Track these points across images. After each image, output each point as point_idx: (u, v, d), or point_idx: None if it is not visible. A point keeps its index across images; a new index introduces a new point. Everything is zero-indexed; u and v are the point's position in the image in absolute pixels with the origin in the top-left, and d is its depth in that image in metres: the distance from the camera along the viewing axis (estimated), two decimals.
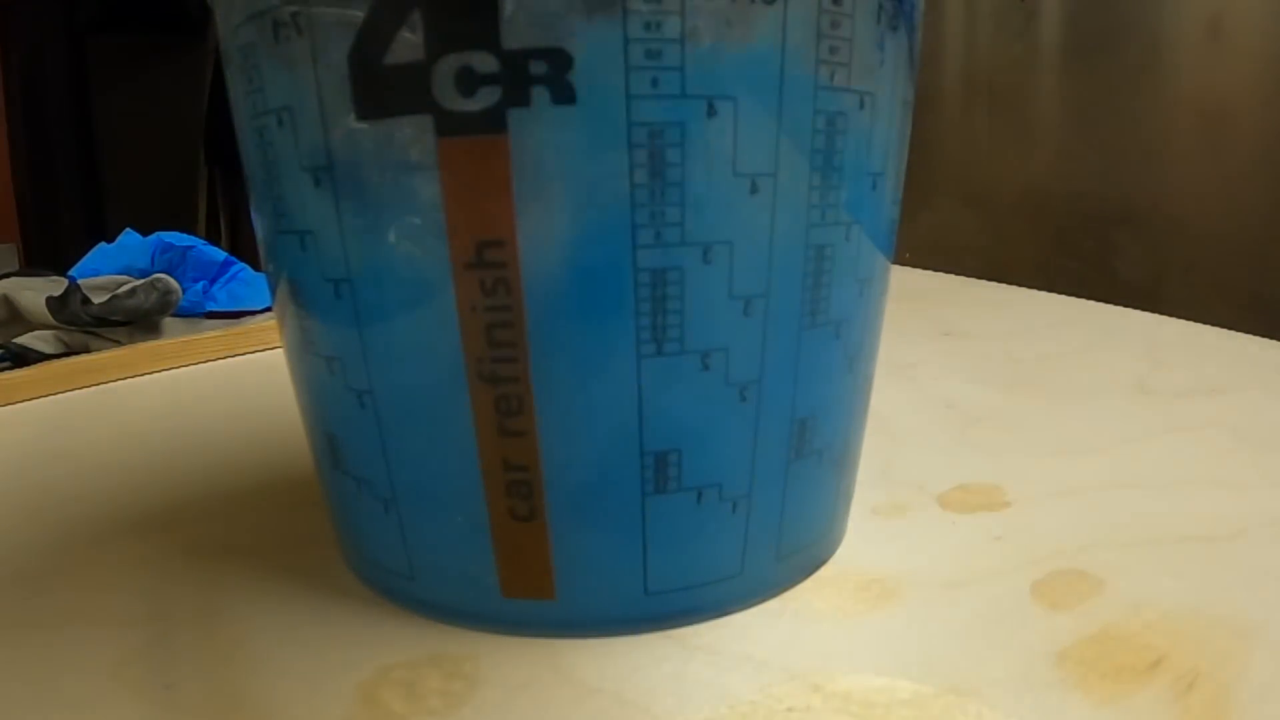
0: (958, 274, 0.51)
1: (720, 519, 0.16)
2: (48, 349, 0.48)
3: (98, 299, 0.51)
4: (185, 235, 0.69)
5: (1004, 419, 0.27)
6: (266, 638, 0.16)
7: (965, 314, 0.42)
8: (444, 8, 0.13)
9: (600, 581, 0.16)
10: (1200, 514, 0.20)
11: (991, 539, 0.19)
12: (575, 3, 0.12)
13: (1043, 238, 0.73)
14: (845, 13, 0.14)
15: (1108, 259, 0.68)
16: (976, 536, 0.19)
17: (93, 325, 0.50)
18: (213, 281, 0.65)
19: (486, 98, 0.13)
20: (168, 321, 0.54)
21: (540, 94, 0.13)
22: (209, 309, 0.61)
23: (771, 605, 0.17)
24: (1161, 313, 0.39)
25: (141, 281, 0.53)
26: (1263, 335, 0.35)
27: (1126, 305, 0.41)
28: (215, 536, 0.21)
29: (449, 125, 0.13)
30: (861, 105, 0.15)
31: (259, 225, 0.16)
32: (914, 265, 0.53)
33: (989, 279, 0.49)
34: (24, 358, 0.44)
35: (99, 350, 0.42)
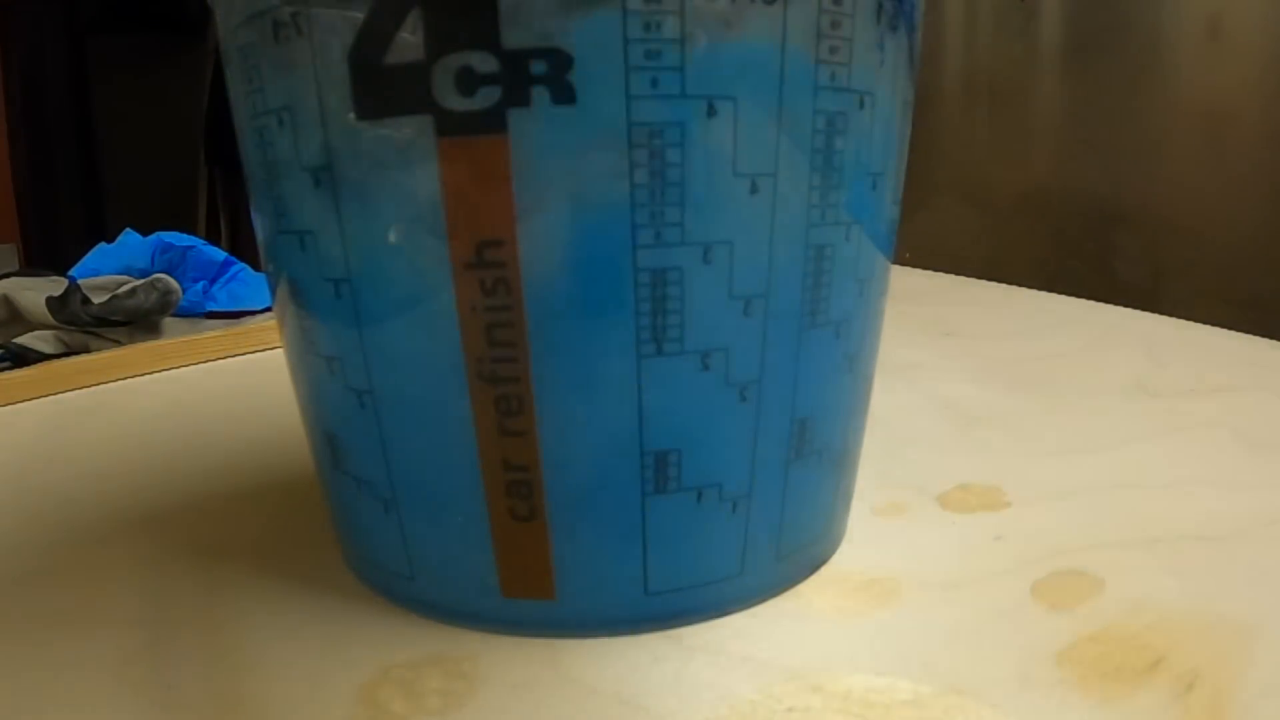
0: (958, 274, 0.51)
1: (720, 519, 0.16)
2: (48, 349, 0.48)
3: (98, 299, 0.51)
4: (185, 235, 0.69)
5: (1004, 419, 0.27)
6: (266, 638, 0.16)
7: (965, 314, 0.42)
8: (444, 8, 0.13)
9: (600, 581, 0.16)
10: (1200, 514, 0.20)
11: (991, 539, 0.19)
12: (575, 3, 0.12)
13: (1043, 238, 0.73)
14: (845, 13, 0.14)
15: (1108, 259, 0.68)
16: (976, 536, 0.19)
17: (93, 325, 0.50)
18: (213, 281, 0.65)
19: (486, 98, 0.13)
20: (168, 321, 0.54)
21: (540, 94, 0.13)
22: (209, 309, 0.61)
23: (771, 605, 0.17)
24: (1161, 313, 0.39)
25: (141, 281, 0.53)
26: (1263, 335, 0.35)
27: (1126, 305, 0.41)
28: (215, 536, 0.21)
29: (449, 125, 0.13)
30: (861, 105, 0.15)
31: (259, 225, 0.16)
32: (914, 265, 0.53)
33: (989, 279, 0.49)
34: (24, 358, 0.44)
35: (99, 350, 0.42)
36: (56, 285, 0.52)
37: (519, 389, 0.14)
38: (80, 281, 0.54)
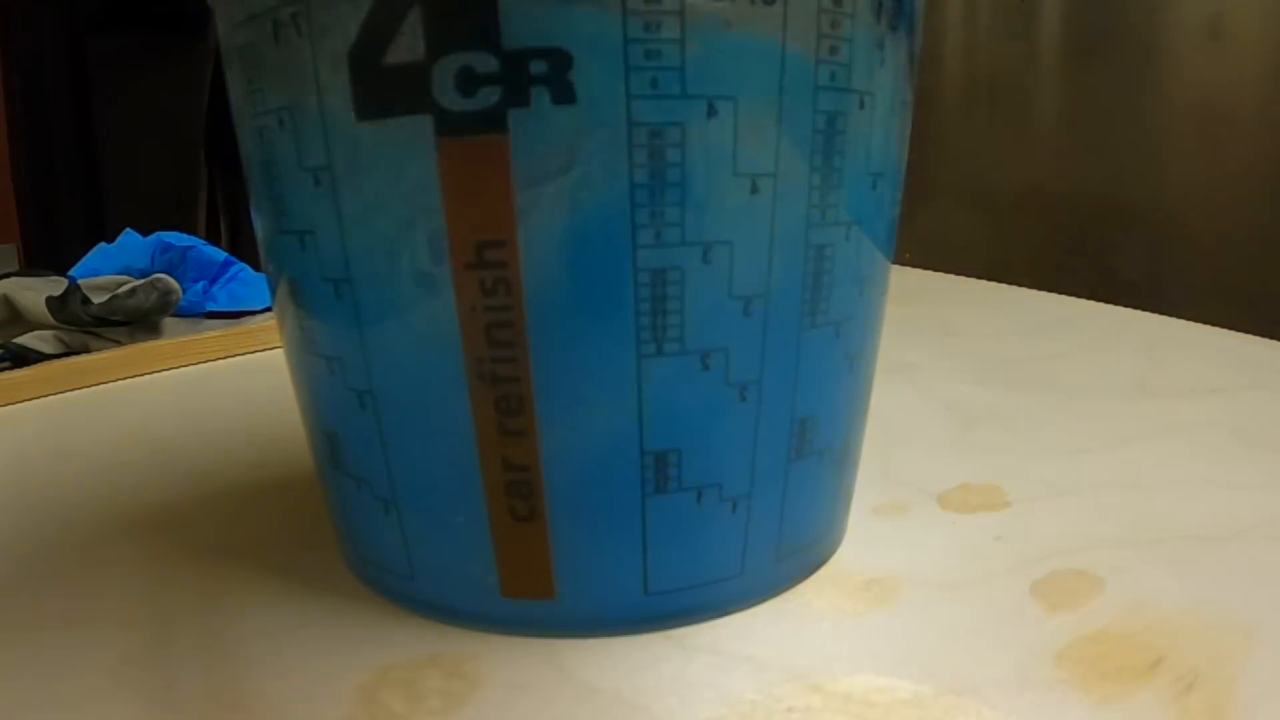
0: (958, 274, 0.52)
1: (720, 519, 0.16)
2: (48, 349, 0.48)
3: (98, 299, 0.51)
4: (185, 235, 0.68)
5: (1004, 419, 0.27)
6: (266, 638, 0.16)
7: (965, 314, 0.42)
8: (444, 8, 0.13)
9: (600, 581, 0.16)
10: (1200, 514, 0.20)
11: (991, 539, 0.19)
12: (575, 3, 0.12)
13: (1043, 238, 0.73)
14: (845, 13, 0.14)
15: (1108, 259, 0.68)
16: (976, 536, 0.19)
17: (93, 325, 0.50)
18: (213, 281, 0.65)
19: (486, 98, 0.13)
20: (168, 321, 0.54)
21: (540, 94, 0.13)
22: (209, 309, 0.61)
23: (771, 605, 0.17)
24: (1161, 313, 0.39)
25: (141, 281, 0.53)
26: (1263, 335, 0.35)
27: (1126, 305, 0.41)
28: (215, 536, 0.21)
29: (449, 125, 0.13)
30: (861, 105, 0.15)
31: (259, 225, 0.16)
32: (914, 265, 0.53)
33: (989, 279, 0.49)
34: (24, 358, 0.44)
35: (99, 350, 0.42)
36: (56, 285, 0.52)
37: (519, 389, 0.14)
38: (80, 281, 0.54)
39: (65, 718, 0.14)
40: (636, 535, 0.15)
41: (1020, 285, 0.47)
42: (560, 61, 0.13)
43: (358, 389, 0.15)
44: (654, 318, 0.14)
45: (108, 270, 0.62)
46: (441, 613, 0.17)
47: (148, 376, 0.37)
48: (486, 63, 0.13)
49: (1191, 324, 0.38)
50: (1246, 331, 0.35)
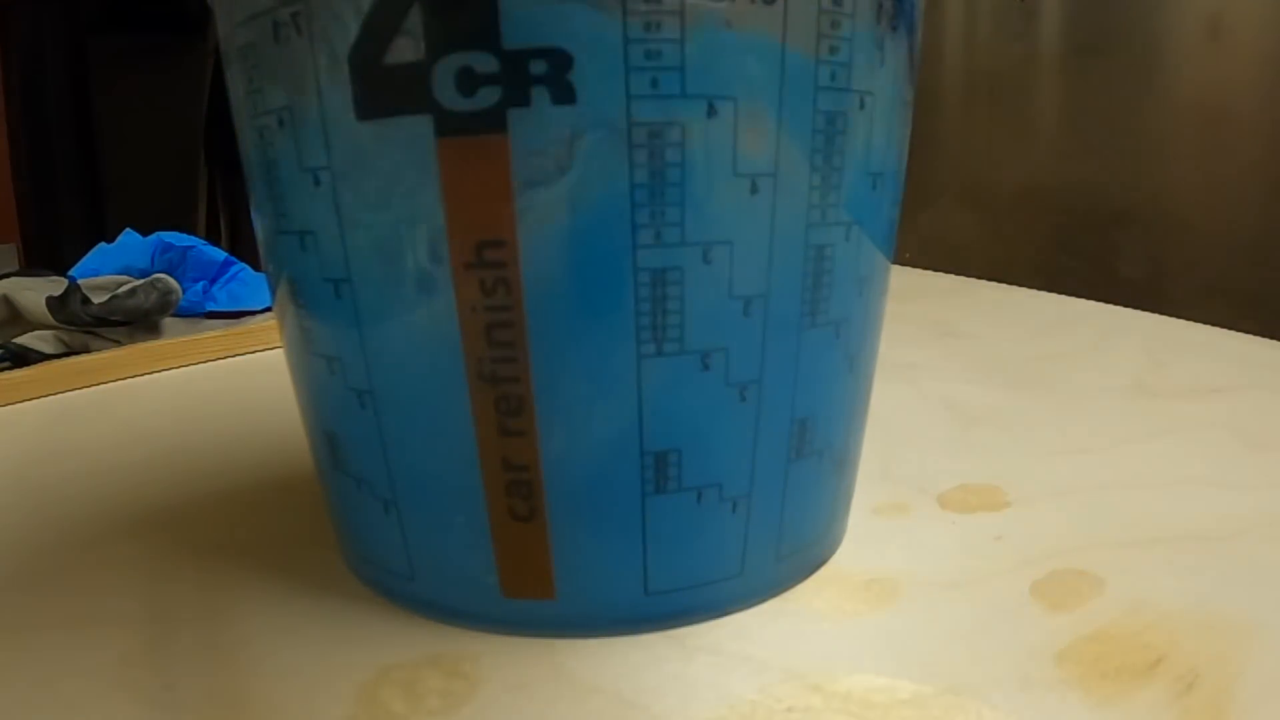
0: (958, 274, 0.51)
1: (720, 519, 0.16)
2: (48, 349, 0.48)
3: (98, 299, 0.51)
4: (185, 235, 0.68)
5: (1004, 419, 0.27)
6: (266, 638, 0.16)
7: (965, 314, 0.42)
8: (444, 8, 0.13)
9: (600, 581, 0.16)
10: (1200, 514, 0.20)
11: (991, 539, 0.19)
12: (575, 3, 0.12)
13: (1043, 237, 0.73)
14: (845, 13, 0.14)
15: (1108, 259, 0.68)
16: (976, 536, 0.19)
17: (93, 325, 0.50)
18: (213, 281, 0.65)
19: (486, 98, 0.13)
20: (168, 321, 0.54)
21: (540, 94, 0.13)
22: (209, 309, 0.61)
23: (771, 605, 0.17)
24: (1161, 313, 0.39)
25: (141, 281, 0.53)
26: (1263, 335, 0.35)
27: (1126, 305, 0.41)
28: (215, 536, 0.21)
29: (449, 125, 0.13)
30: (861, 105, 0.15)
31: (259, 225, 0.16)
32: (914, 265, 0.53)
33: (989, 279, 0.49)
34: (24, 358, 0.44)
35: (99, 350, 0.42)
36: (56, 285, 0.52)
37: (519, 389, 0.14)
38: (80, 281, 0.54)
39: (65, 717, 0.14)
40: (636, 535, 0.15)
41: (1020, 285, 0.47)
42: (560, 61, 0.13)
43: (358, 389, 0.15)
44: (654, 318, 0.14)
45: (108, 270, 0.62)
46: (441, 613, 0.17)
47: (148, 376, 0.37)
48: (486, 63, 0.13)
49: (1191, 324, 0.38)
50: (1246, 331, 0.35)
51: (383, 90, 0.13)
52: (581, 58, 0.13)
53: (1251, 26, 0.58)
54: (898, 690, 0.14)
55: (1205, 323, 0.37)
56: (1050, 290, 0.45)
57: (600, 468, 0.15)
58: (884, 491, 0.22)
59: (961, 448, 0.25)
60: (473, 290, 0.14)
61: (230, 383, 0.36)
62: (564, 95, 0.13)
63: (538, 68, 0.13)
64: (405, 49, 0.13)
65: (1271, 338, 0.35)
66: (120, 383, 0.36)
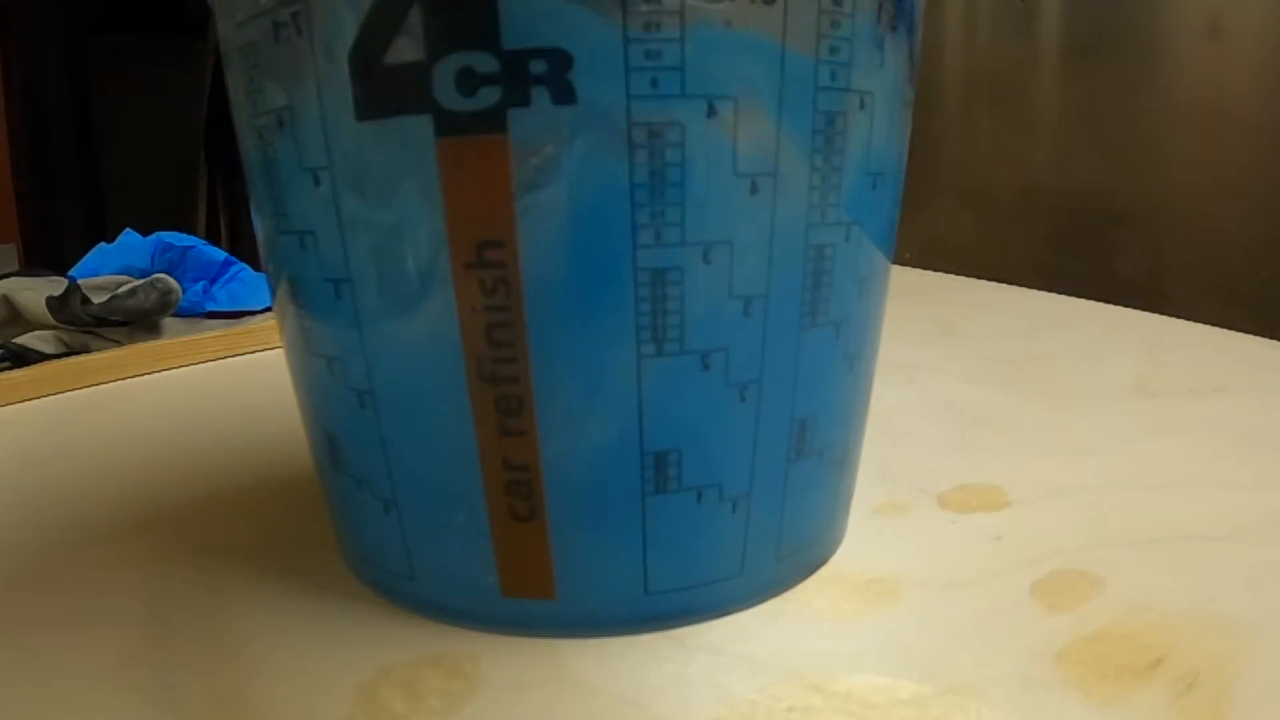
0: (958, 274, 0.51)
1: (720, 519, 0.16)
2: (48, 349, 0.48)
3: (98, 299, 0.51)
4: (185, 235, 0.68)
5: (1004, 419, 0.27)
6: (266, 638, 0.16)
7: (965, 314, 0.42)
8: (444, 8, 0.13)
9: (600, 581, 0.16)
10: (1200, 514, 0.20)
11: (991, 539, 0.19)
12: (575, 3, 0.12)
13: (1043, 238, 0.73)
14: (845, 13, 0.14)
15: (1108, 259, 0.68)
16: (976, 536, 0.19)
17: (93, 325, 0.50)
18: (213, 281, 0.65)
19: (486, 98, 0.13)
20: (168, 321, 0.54)
21: (540, 94, 0.13)
22: (209, 309, 0.61)
23: (771, 605, 0.17)
24: (1161, 313, 0.39)
25: (141, 281, 0.53)
26: (1263, 335, 0.35)
27: (1126, 305, 0.41)
28: (215, 536, 0.21)
29: (449, 125, 0.13)
30: (861, 105, 0.15)
31: (259, 225, 0.16)
32: (914, 265, 0.53)
33: (989, 279, 0.49)
34: (24, 358, 0.44)
35: (99, 350, 0.42)
36: (56, 285, 0.52)
37: (519, 389, 0.14)
38: (80, 281, 0.54)
39: (65, 717, 0.14)
40: (636, 535, 0.15)
41: (1020, 285, 0.47)
42: (560, 61, 0.13)
43: (358, 389, 0.15)
44: (654, 318, 0.14)
45: (108, 270, 0.62)
46: (442, 613, 0.17)
47: (148, 376, 0.37)
48: (486, 63, 0.13)
49: (1191, 324, 0.38)
50: (1246, 331, 0.35)
51: (383, 90, 0.13)
52: (581, 58, 0.13)
53: (1251, 27, 0.58)
54: (898, 690, 0.14)
55: (1205, 323, 0.37)
56: (1050, 290, 0.45)
57: (600, 468, 0.15)
58: (884, 491, 0.22)
59: (961, 448, 0.25)
60: (473, 290, 0.14)
61: (230, 383, 0.36)
62: (564, 95, 0.13)
63: (538, 68, 0.13)
64: (405, 49, 0.13)
65: (1271, 338, 0.35)
66: (120, 383, 0.36)
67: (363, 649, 0.16)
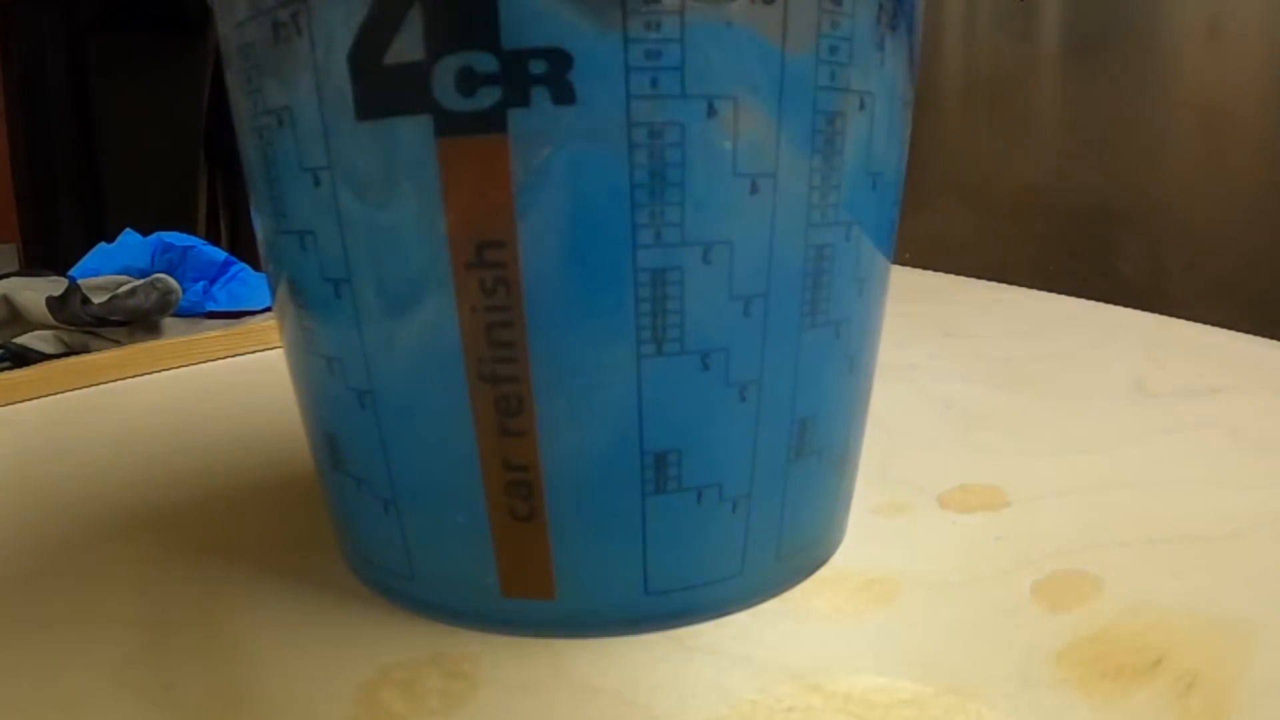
0: (958, 274, 0.51)
1: (720, 519, 0.16)
2: (48, 349, 0.48)
3: (98, 299, 0.51)
4: (185, 235, 0.69)
5: (1004, 419, 0.27)
6: (266, 638, 0.16)
7: (965, 314, 0.42)
8: (444, 8, 0.13)
9: (600, 581, 0.16)
10: (1200, 514, 0.20)
11: (991, 539, 0.19)
12: (575, 3, 0.12)
13: (1043, 238, 0.73)
14: (845, 12, 0.14)
15: (1108, 259, 0.68)
16: (976, 536, 0.19)
17: (93, 325, 0.50)
18: (213, 281, 0.65)
19: (486, 98, 0.13)
20: (168, 321, 0.54)
21: (540, 94, 0.13)
22: (209, 309, 0.61)
23: (771, 605, 0.17)
24: (1161, 313, 0.39)
25: (141, 281, 0.53)
26: (1263, 335, 0.35)
27: (1126, 305, 0.41)
28: (215, 536, 0.21)
29: (449, 125, 0.13)
30: (861, 105, 0.15)
31: (259, 225, 0.16)
32: (914, 265, 0.53)
33: (989, 279, 0.49)
34: (24, 358, 0.44)
35: (99, 350, 0.42)
36: (56, 285, 0.52)
37: (519, 389, 0.14)
38: (80, 281, 0.54)
39: (65, 717, 0.14)
40: (636, 535, 0.15)
41: (1020, 285, 0.47)
42: (560, 61, 0.13)
43: (358, 389, 0.15)
44: (654, 318, 0.14)
45: (108, 270, 0.62)
46: (441, 613, 0.17)
47: (148, 376, 0.37)
48: (486, 63, 0.13)
49: (1191, 324, 0.38)
50: (1246, 331, 0.35)
51: (383, 90, 0.13)
52: (581, 58, 0.13)
53: (1251, 27, 0.58)
54: (898, 690, 0.14)
55: (1205, 323, 0.37)
56: (1050, 290, 0.45)
57: (600, 468, 0.15)
58: (884, 491, 0.22)
59: (961, 448, 0.25)
60: (473, 290, 0.14)
61: (230, 383, 0.36)
62: (564, 95, 0.13)
63: (538, 68, 0.13)
64: (405, 49, 0.13)
65: (1271, 338, 0.35)
66: (120, 383, 0.36)
67: (363, 649, 0.16)
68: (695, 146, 0.13)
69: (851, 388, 0.17)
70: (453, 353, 0.14)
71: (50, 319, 0.49)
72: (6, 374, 0.34)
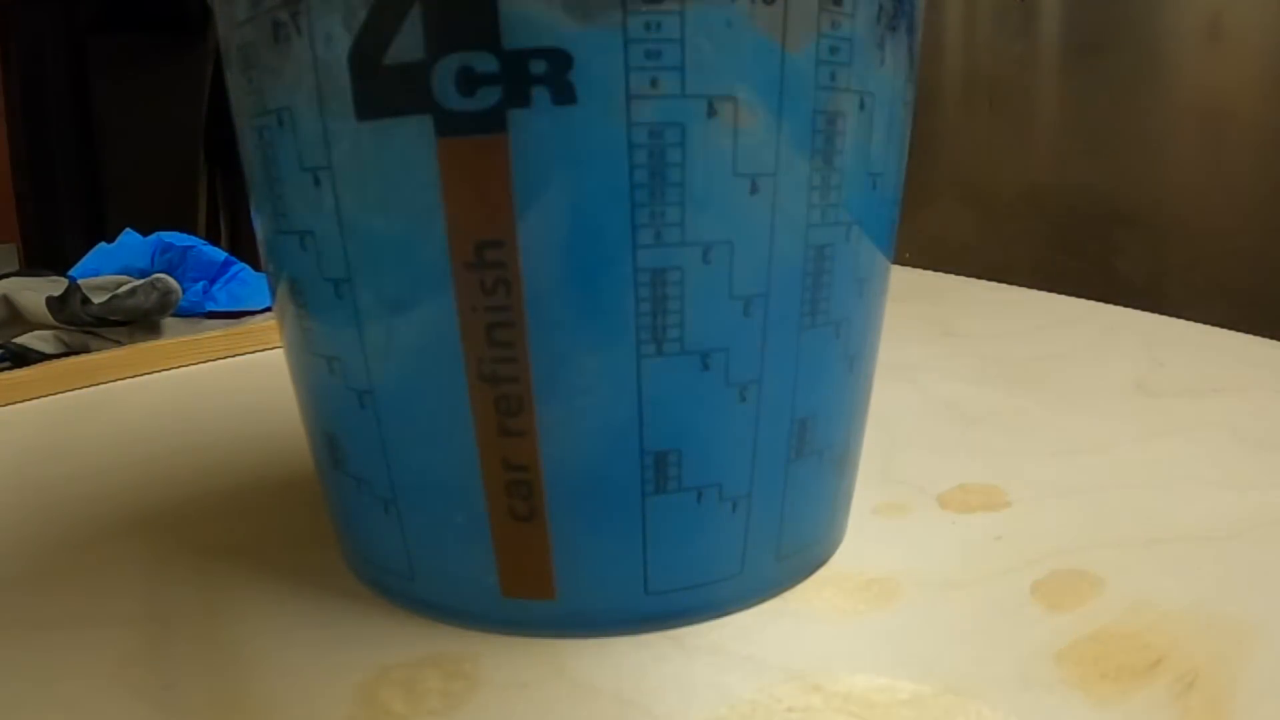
0: (958, 274, 0.51)
1: (720, 519, 0.16)
2: (48, 349, 0.48)
3: (98, 299, 0.51)
4: (185, 235, 0.68)
5: (1004, 419, 0.27)
6: (266, 638, 0.16)
7: (965, 314, 0.42)
8: (444, 8, 0.13)
9: (600, 581, 0.16)
10: (1200, 514, 0.20)
11: (991, 539, 0.19)
12: (575, 3, 0.12)
13: (1043, 237, 0.73)
14: (845, 12, 0.14)
15: (1108, 259, 0.68)
16: (976, 536, 0.19)
17: (93, 325, 0.50)
18: (213, 281, 0.65)
19: (486, 98, 0.13)
20: (168, 321, 0.54)
21: (540, 94, 0.13)
22: (209, 309, 0.61)
23: (771, 605, 0.17)
24: (1161, 313, 0.39)
25: (141, 281, 0.53)
26: (1263, 335, 0.35)
27: (1126, 305, 0.41)
28: (215, 536, 0.21)
29: (449, 125, 0.13)
30: (861, 105, 0.15)
31: (259, 225, 0.16)
32: (914, 265, 0.53)
33: (989, 279, 0.49)
34: (24, 358, 0.44)
35: (99, 350, 0.42)
36: (56, 285, 0.52)
37: (519, 389, 0.14)
38: (80, 281, 0.54)
39: (65, 717, 0.14)
40: (636, 535, 0.15)
41: (1020, 285, 0.47)
42: (560, 61, 0.13)
43: (358, 389, 0.15)
44: (654, 318, 0.14)
45: (108, 270, 0.62)
46: (441, 613, 0.17)
47: (148, 376, 0.37)
48: (486, 63, 0.13)
49: (1191, 324, 0.38)
50: (1246, 331, 0.35)
51: (383, 90, 0.13)
52: (581, 58, 0.13)
53: (1251, 27, 0.58)
54: (898, 690, 0.14)
55: (1205, 323, 0.37)
56: (1050, 290, 0.45)
57: (600, 468, 0.15)
58: (884, 491, 0.22)
59: (961, 448, 0.25)
60: (473, 290, 0.14)
61: (230, 383, 0.36)
62: (564, 95, 0.13)
63: (538, 68, 0.13)
64: (405, 49, 0.13)
65: (1271, 338, 0.35)
66: (120, 383, 0.36)
67: (363, 649, 0.16)
68: (695, 146, 0.13)
69: (851, 388, 0.17)
70: (453, 353, 0.14)
71: (50, 319, 0.49)
72: (6, 374, 0.34)
